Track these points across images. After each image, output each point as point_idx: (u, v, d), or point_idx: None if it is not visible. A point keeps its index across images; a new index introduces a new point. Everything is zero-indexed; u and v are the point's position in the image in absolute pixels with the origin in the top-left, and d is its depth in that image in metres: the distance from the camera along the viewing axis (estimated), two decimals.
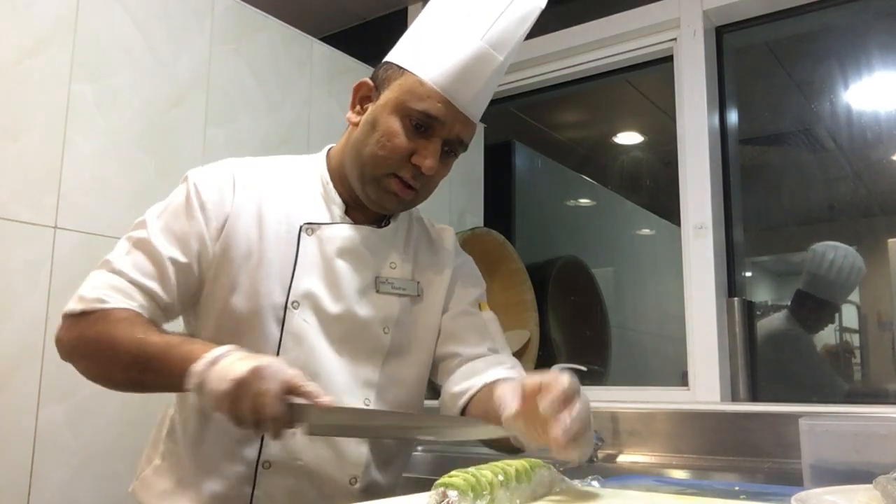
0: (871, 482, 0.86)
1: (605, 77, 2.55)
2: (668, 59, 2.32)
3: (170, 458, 1.16)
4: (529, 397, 0.90)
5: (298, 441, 1.07)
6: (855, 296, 2.34)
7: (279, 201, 1.16)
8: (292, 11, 2.50)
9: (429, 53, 1.12)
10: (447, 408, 1.21)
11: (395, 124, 1.11)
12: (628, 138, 3.26)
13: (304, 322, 1.11)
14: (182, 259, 1.10)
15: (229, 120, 1.94)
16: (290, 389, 0.91)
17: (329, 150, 1.26)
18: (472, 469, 0.81)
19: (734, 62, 2.30)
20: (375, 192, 1.15)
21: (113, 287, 1.07)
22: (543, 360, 2.43)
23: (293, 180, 1.20)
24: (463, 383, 1.20)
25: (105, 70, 1.66)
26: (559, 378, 0.90)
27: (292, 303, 1.11)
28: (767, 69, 2.46)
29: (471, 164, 2.71)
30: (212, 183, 1.14)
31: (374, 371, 1.16)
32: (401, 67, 1.14)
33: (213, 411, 0.93)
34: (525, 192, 2.91)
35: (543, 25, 2.57)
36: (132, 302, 1.06)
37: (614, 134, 3.26)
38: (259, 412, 0.89)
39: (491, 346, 1.26)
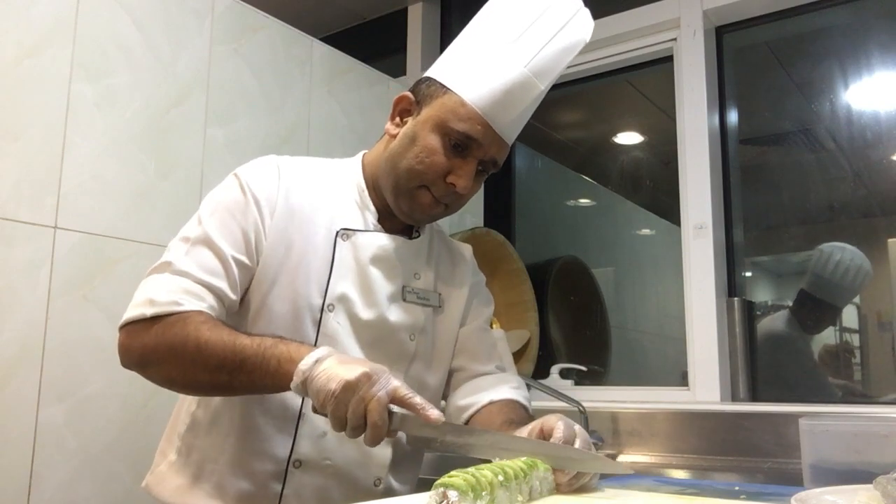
0: (871, 482, 0.86)
1: (605, 77, 2.55)
2: (668, 59, 2.32)
3: (187, 455, 1.16)
4: None
5: (328, 440, 1.11)
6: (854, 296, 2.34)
7: (319, 203, 1.19)
8: (292, 11, 2.50)
9: (472, 75, 1.13)
10: (450, 419, 1.24)
11: (434, 142, 1.13)
12: (628, 138, 3.26)
13: (337, 325, 1.14)
14: (242, 257, 1.12)
15: (229, 120, 1.94)
16: (398, 399, 0.95)
17: (364, 155, 1.28)
18: (472, 469, 0.81)
19: (734, 62, 2.30)
20: (407, 204, 1.17)
21: (183, 289, 1.06)
22: (543, 360, 2.43)
23: (332, 183, 1.23)
24: (469, 398, 1.25)
25: (105, 70, 1.66)
26: (556, 426, 0.97)
27: (328, 305, 1.14)
28: (767, 69, 2.46)
29: None
30: (262, 179, 1.16)
31: (399, 376, 1.15)
32: (443, 86, 1.15)
33: (318, 410, 0.96)
34: (525, 192, 2.91)
35: None
36: (202, 303, 1.06)
37: (614, 134, 3.25)
38: (363, 416, 0.93)
39: (499, 364, 1.32)
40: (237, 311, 1.15)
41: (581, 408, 1.90)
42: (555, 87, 2.86)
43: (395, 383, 0.95)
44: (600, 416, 1.95)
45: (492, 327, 1.40)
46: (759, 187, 2.39)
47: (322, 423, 1.09)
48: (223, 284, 1.09)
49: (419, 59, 2.82)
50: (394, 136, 1.19)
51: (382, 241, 1.19)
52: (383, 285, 1.18)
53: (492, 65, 1.13)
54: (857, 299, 2.32)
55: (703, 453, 1.80)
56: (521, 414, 1.21)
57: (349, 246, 1.17)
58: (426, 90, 1.17)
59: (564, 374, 2.32)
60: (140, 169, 1.72)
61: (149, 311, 1.04)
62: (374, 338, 1.17)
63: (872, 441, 1.13)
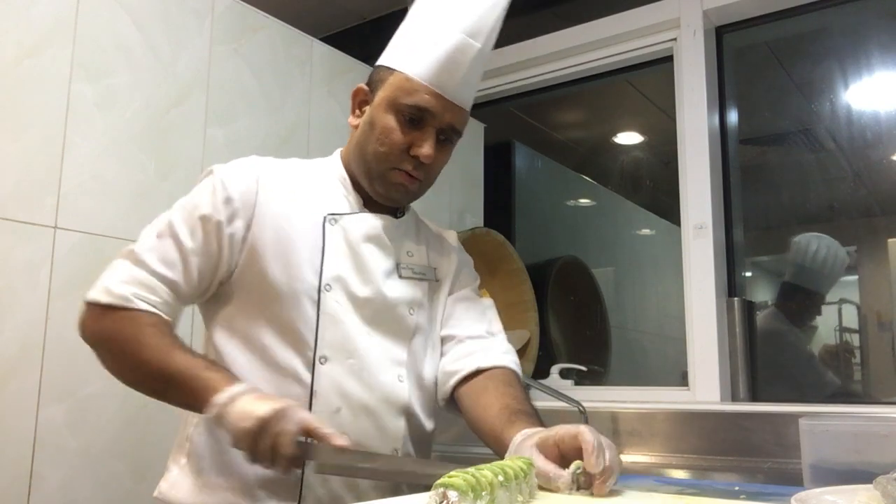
0: (871, 482, 0.86)
1: (605, 77, 2.55)
2: (668, 59, 2.32)
3: (200, 452, 1.16)
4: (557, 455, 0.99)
5: (343, 415, 1.15)
6: (855, 296, 2.34)
7: (303, 194, 1.24)
8: (292, 11, 2.50)
9: (413, 51, 1.21)
10: (440, 384, 1.29)
11: (390, 121, 1.19)
12: (628, 138, 3.27)
13: (336, 304, 1.17)
14: (204, 249, 1.16)
15: (229, 120, 1.94)
16: (307, 431, 1.00)
17: (340, 152, 1.33)
18: (472, 469, 0.81)
19: (734, 62, 2.30)
20: (383, 187, 1.23)
21: (137, 282, 1.12)
22: (543, 360, 2.43)
23: (314, 177, 1.28)
24: (456, 363, 1.28)
25: (105, 70, 1.66)
26: (583, 434, 0.97)
27: (325, 286, 1.17)
28: (767, 69, 2.46)
29: (471, 165, 2.71)
30: (237, 177, 1.20)
31: (402, 350, 1.23)
32: (389, 68, 1.22)
33: (232, 445, 1.02)
34: (525, 192, 2.91)
35: (543, 25, 2.58)
36: (155, 297, 1.13)
37: (614, 134, 3.26)
38: (276, 451, 0.99)
39: (488, 329, 1.34)
40: (235, 299, 1.19)
41: (581, 408, 1.90)
42: (555, 87, 2.82)
43: (304, 415, 1.01)
44: (600, 416, 1.95)
45: (482, 296, 1.42)
46: (759, 187, 2.39)
47: (336, 398, 1.14)
48: (178, 277, 1.14)
49: None
50: (356, 128, 1.26)
51: (370, 220, 1.23)
52: (377, 263, 1.22)
53: (429, 37, 1.20)
54: (857, 299, 2.33)
55: (703, 453, 1.80)
56: (517, 393, 1.22)
57: (338, 229, 1.21)
58: (376, 77, 1.24)
59: (564, 374, 2.32)
60: (140, 169, 1.72)
61: (103, 300, 1.12)
62: (375, 314, 1.21)
63: (872, 441, 1.13)
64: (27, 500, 1.45)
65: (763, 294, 2.60)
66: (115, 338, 1.12)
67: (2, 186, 1.47)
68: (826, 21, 2.23)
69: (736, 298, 2.09)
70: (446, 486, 0.77)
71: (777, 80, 2.45)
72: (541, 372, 2.37)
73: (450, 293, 1.35)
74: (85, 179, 1.61)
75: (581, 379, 2.34)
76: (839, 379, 2.23)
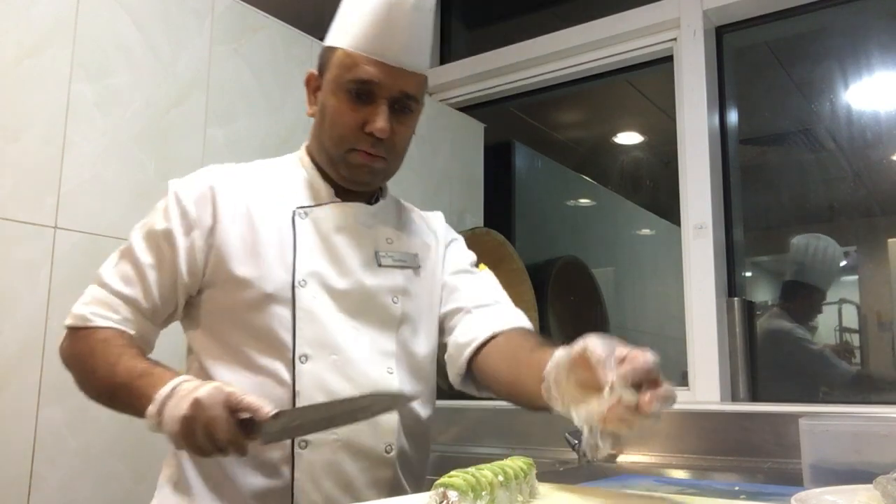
0: (871, 482, 0.86)
1: (605, 77, 2.55)
2: (668, 59, 2.32)
3: (190, 466, 1.15)
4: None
5: None
6: (855, 296, 2.34)
7: (268, 193, 1.20)
8: (292, 11, 2.50)
9: (347, 24, 1.16)
10: (453, 360, 1.23)
11: (338, 102, 1.15)
12: (628, 138, 3.27)
13: (313, 299, 1.14)
14: (161, 264, 1.15)
15: (229, 120, 1.94)
16: (233, 406, 0.94)
17: (305, 146, 1.30)
18: (472, 469, 0.82)
19: (734, 62, 2.30)
20: (347, 171, 1.18)
21: (99, 301, 1.14)
22: None
23: (279, 174, 1.25)
24: (468, 334, 1.21)
25: (105, 70, 1.66)
26: (590, 347, 0.82)
27: (299, 281, 1.14)
28: (767, 69, 2.46)
29: (471, 165, 2.71)
30: (191, 188, 1.18)
31: (390, 340, 1.19)
32: (331, 47, 1.18)
33: (177, 449, 1.00)
34: (525, 192, 2.91)
35: (543, 25, 2.58)
36: (115, 315, 1.13)
37: (614, 134, 3.26)
38: (215, 440, 0.94)
39: (494, 297, 1.28)
40: (207, 312, 1.17)
41: None
42: (555, 87, 2.82)
43: (223, 396, 0.95)
44: None
45: (479, 270, 1.36)
46: (759, 187, 2.39)
47: (320, 397, 1.10)
48: (137, 294, 1.14)
49: None
50: (314, 116, 1.23)
51: (342, 210, 1.20)
52: (354, 253, 1.18)
53: (358, 7, 1.15)
54: (857, 299, 2.33)
55: (703, 453, 1.80)
56: (533, 341, 1.14)
57: (309, 222, 1.18)
58: (322, 60, 1.21)
59: None
60: (140, 169, 1.72)
61: (67, 322, 1.15)
62: (356, 305, 1.17)
63: (872, 441, 1.13)
64: (27, 500, 1.45)
65: (763, 294, 2.60)
66: (74, 357, 1.13)
67: (2, 186, 1.47)
68: (826, 21, 2.23)
69: (736, 298, 2.10)
70: (446, 486, 0.77)
71: (777, 80, 2.45)
72: None
73: (445, 271, 1.30)
74: (85, 179, 1.61)
75: None
76: (847, 366, 2.24)
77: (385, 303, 1.19)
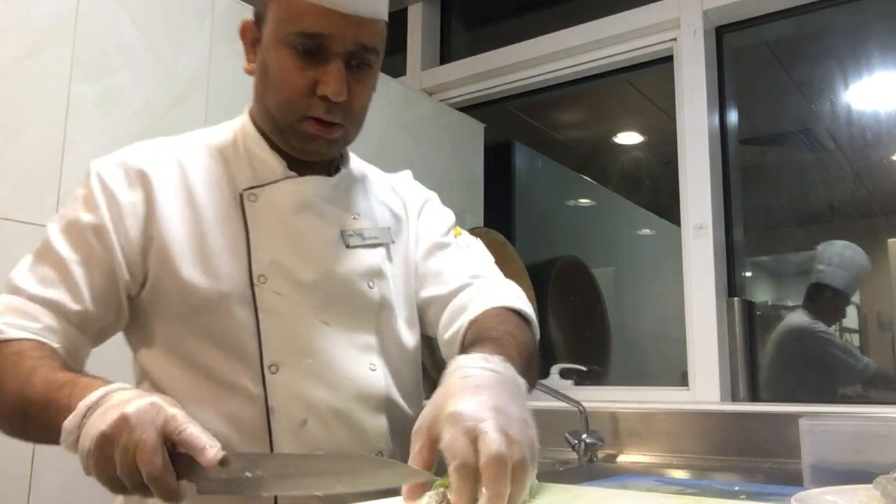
0: (871, 482, 0.86)
1: (605, 77, 2.55)
2: (668, 59, 2.32)
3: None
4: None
5: (311, 428, 0.96)
6: (855, 296, 2.34)
7: (207, 174, 1.03)
8: None
9: None
10: (447, 360, 1.04)
11: (283, 59, 0.96)
12: (628, 138, 3.26)
13: (277, 296, 0.98)
14: (91, 260, 0.96)
15: (229, 120, 1.94)
16: (170, 437, 0.73)
17: (248, 109, 1.11)
18: None
19: (734, 62, 2.30)
20: (299, 142, 1.01)
21: (12, 310, 0.93)
22: (543, 360, 2.43)
23: (221, 147, 1.07)
24: (452, 327, 1.05)
25: (105, 70, 1.66)
26: (452, 441, 0.65)
27: (258, 277, 0.98)
28: (767, 69, 2.46)
29: (471, 164, 2.71)
30: (120, 170, 1.01)
31: (369, 333, 1.05)
32: None
33: (87, 474, 0.76)
34: (525, 192, 2.91)
35: (543, 25, 2.58)
36: (34, 324, 0.92)
37: (614, 134, 3.25)
38: (133, 472, 0.72)
39: (471, 272, 1.12)
40: (154, 316, 0.99)
41: (581, 408, 1.90)
42: (555, 87, 2.83)
43: (165, 415, 0.74)
44: (600, 416, 1.95)
45: (456, 237, 1.21)
46: (759, 187, 2.39)
47: (298, 410, 0.97)
48: (60, 296, 0.94)
49: (419, 59, 2.82)
50: (253, 74, 1.04)
51: (298, 186, 1.02)
52: (317, 235, 1.02)
53: None
54: (857, 299, 2.33)
55: (703, 453, 1.80)
56: (495, 324, 0.97)
57: (261, 206, 1.01)
58: (259, 8, 1.01)
59: (564, 374, 2.33)
60: None
61: None
62: (327, 298, 1.01)
63: (872, 441, 1.13)
64: (27, 500, 1.45)
65: (763, 294, 2.60)
66: None
67: (2, 186, 1.47)
68: (826, 21, 2.23)
69: (736, 298, 2.10)
70: (446, 486, 0.77)
71: (777, 80, 2.45)
72: (541, 372, 2.37)
73: (418, 249, 1.14)
74: None
75: (581, 379, 2.34)
76: (872, 361, 2.25)
77: (360, 290, 1.04)
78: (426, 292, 1.12)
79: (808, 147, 2.34)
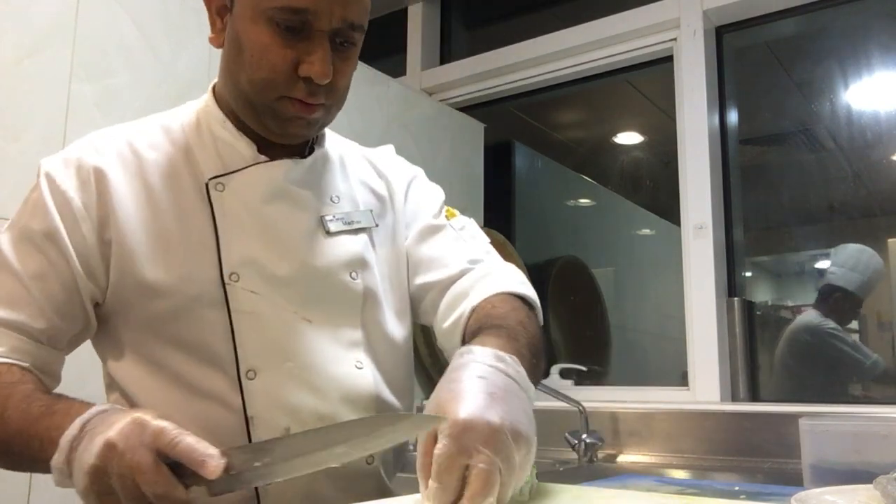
0: (871, 482, 0.86)
1: (605, 77, 2.55)
2: (668, 59, 2.32)
3: None
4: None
5: (297, 437, 0.83)
6: None
7: (169, 164, 0.95)
8: None
9: None
10: (447, 351, 1.01)
11: (261, 35, 0.88)
12: (628, 138, 3.26)
13: (252, 295, 0.91)
14: (49, 272, 0.90)
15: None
16: (164, 449, 0.68)
17: (213, 87, 1.02)
18: None
19: (734, 62, 2.30)
20: (276, 123, 0.93)
21: None
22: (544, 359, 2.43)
23: (178, 136, 0.98)
24: (452, 315, 0.99)
25: (105, 70, 1.66)
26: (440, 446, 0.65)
27: (230, 276, 0.91)
28: (767, 69, 2.46)
29: (471, 164, 2.71)
30: (71, 169, 0.94)
31: (354, 328, 0.98)
32: None
33: None
34: (525, 192, 2.91)
35: (543, 25, 2.58)
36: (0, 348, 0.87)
37: (614, 134, 3.25)
38: (137, 496, 0.67)
39: (469, 256, 1.05)
40: (120, 325, 0.93)
41: (581, 408, 1.90)
42: (555, 87, 2.83)
43: (151, 431, 0.68)
44: (600, 416, 1.95)
45: (450, 219, 1.12)
46: (759, 187, 2.39)
47: (280, 417, 0.90)
48: (23, 316, 0.88)
49: (419, 58, 2.82)
50: (221, 46, 0.95)
51: (270, 172, 0.94)
52: (293, 225, 0.95)
53: None
54: None
55: (703, 453, 1.80)
56: (509, 311, 0.93)
57: (229, 195, 0.93)
58: None
59: (564, 374, 2.33)
60: None
61: None
62: (307, 293, 0.94)
63: (872, 441, 1.13)
64: (27, 500, 1.45)
65: (763, 294, 2.60)
66: None
67: (2, 186, 1.47)
68: (826, 21, 2.23)
69: (736, 298, 2.10)
70: None
71: (777, 80, 2.45)
72: None
73: (409, 234, 1.07)
74: None
75: (581, 379, 2.34)
76: (882, 357, 2.26)
77: (342, 281, 0.97)
78: (421, 279, 1.05)
79: (808, 147, 2.34)
